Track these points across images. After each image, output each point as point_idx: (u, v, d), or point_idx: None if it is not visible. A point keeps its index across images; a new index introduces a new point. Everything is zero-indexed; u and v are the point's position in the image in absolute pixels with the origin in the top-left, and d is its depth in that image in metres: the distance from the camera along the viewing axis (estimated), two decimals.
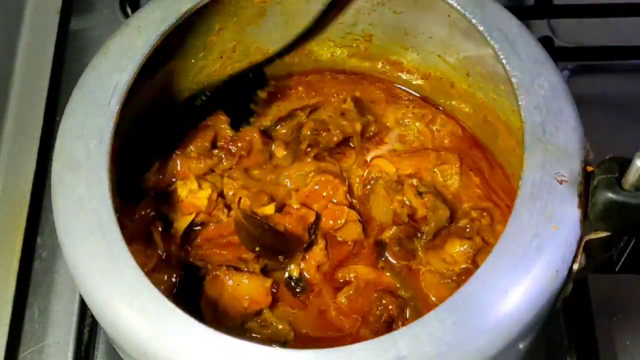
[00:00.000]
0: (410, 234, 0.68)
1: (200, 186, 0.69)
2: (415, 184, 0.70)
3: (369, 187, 0.71)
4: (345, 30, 0.74)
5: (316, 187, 0.70)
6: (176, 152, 0.70)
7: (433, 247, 0.68)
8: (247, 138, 0.72)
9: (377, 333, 0.64)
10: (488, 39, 0.62)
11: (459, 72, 0.71)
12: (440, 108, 0.75)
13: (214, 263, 0.67)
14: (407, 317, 0.65)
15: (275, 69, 0.76)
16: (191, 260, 0.68)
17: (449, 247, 0.67)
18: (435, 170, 0.71)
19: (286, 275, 0.68)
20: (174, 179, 0.70)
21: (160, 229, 0.67)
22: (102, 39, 0.65)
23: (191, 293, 0.67)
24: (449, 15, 0.66)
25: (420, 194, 0.69)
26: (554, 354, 0.73)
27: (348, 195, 0.71)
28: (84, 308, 0.75)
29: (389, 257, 0.68)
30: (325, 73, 0.77)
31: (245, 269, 0.66)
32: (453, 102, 0.74)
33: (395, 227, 0.68)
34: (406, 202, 0.69)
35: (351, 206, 0.70)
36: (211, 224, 0.69)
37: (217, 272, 0.66)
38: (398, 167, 0.72)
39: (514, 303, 0.52)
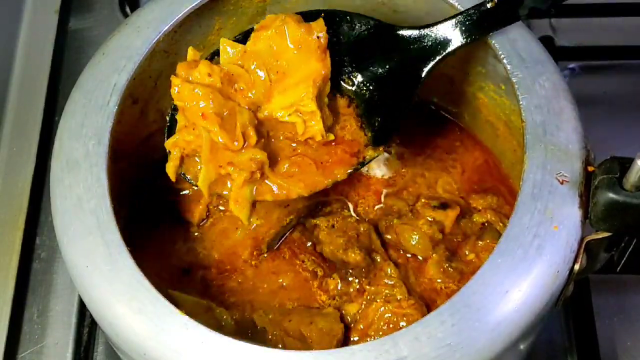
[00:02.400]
0: (452, 249, 0.68)
1: None
2: (425, 201, 0.69)
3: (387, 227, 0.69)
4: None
5: None
6: None
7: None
8: None
9: None
10: (489, 38, 0.62)
11: (459, 72, 0.71)
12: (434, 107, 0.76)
13: None
14: None
15: None
16: None
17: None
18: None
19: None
20: None
21: None
22: (101, 38, 0.65)
23: None
24: None
25: (436, 207, 0.68)
26: (554, 355, 0.73)
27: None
28: (83, 309, 0.75)
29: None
30: None
31: None
32: (453, 102, 0.74)
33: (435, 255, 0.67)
34: (429, 219, 0.68)
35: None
36: None
37: None
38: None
39: (515, 304, 0.52)
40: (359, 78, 0.64)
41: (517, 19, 0.60)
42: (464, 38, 0.61)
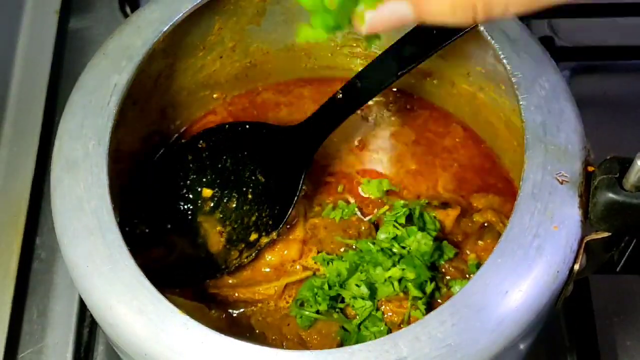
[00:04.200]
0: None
1: None
2: (426, 200, 0.69)
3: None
4: (345, 30, 0.74)
5: None
6: None
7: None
8: None
9: None
10: (489, 38, 0.62)
11: (459, 72, 0.71)
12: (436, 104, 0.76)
13: None
14: None
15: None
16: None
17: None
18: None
19: None
20: None
21: None
22: (102, 38, 0.65)
23: None
24: None
25: (437, 206, 0.69)
26: (554, 355, 0.73)
27: None
28: (83, 309, 0.75)
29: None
30: None
31: None
32: (453, 102, 0.74)
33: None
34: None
35: None
36: None
37: None
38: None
39: (515, 304, 0.52)
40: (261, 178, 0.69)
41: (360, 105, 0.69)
42: (329, 127, 0.68)
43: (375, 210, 0.70)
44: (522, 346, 0.57)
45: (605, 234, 0.55)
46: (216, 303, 0.66)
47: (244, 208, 0.69)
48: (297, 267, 0.68)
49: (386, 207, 0.69)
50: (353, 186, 0.72)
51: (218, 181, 0.70)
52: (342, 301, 0.65)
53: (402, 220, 0.66)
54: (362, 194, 0.71)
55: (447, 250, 0.66)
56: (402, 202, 0.69)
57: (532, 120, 0.58)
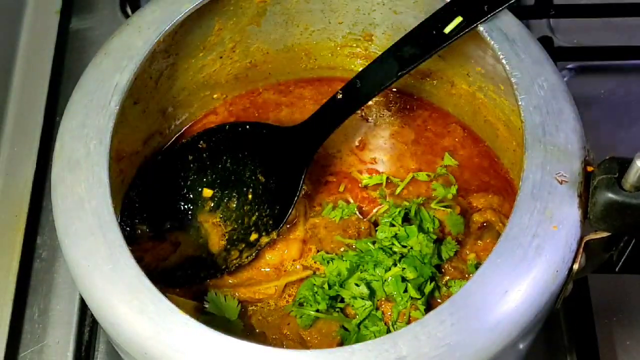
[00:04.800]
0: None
1: None
2: (425, 200, 0.69)
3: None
4: (345, 30, 0.74)
5: None
6: None
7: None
8: None
9: None
10: (488, 38, 0.62)
11: (458, 73, 0.71)
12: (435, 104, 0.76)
13: None
14: None
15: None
16: None
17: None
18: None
19: None
20: None
21: None
22: (103, 38, 0.65)
23: None
24: None
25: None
26: (554, 355, 0.73)
27: None
28: (84, 308, 0.75)
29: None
30: None
31: None
32: (453, 102, 0.74)
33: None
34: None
35: None
36: None
37: None
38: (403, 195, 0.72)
39: (514, 303, 0.52)
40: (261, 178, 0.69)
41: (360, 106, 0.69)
42: (330, 127, 0.67)
43: (375, 209, 0.70)
44: (521, 346, 0.57)
45: (605, 234, 0.55)
46: None
47: (245, 208, 0.69)
48: (298, 266, 0.68)
49: (385, 207, 0.70)
50: (353, 186, 0.72)
51: (218, 181, 0.70)
52: (342, 301, 0.65)
53: (399, 220, 0.66)
54: (360, 194, 0.72)
55: (449, 248, 0.66)
56: (392, 201, 0.70)
57: (531, 120, 0.58)
